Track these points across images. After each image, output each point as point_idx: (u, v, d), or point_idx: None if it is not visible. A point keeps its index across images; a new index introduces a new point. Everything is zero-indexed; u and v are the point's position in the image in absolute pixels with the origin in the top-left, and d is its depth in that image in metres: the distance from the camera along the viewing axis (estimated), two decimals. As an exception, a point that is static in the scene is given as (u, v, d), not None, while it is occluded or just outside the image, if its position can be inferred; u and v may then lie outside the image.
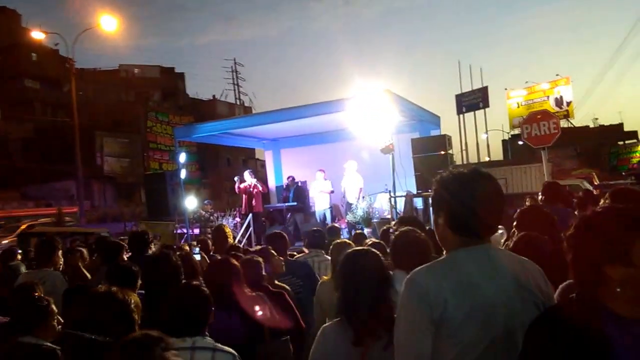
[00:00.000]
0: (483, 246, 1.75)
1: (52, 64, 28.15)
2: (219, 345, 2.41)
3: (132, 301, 2.03)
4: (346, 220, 11.42)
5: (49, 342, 2.69)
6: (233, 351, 2.43)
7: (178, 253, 5.00)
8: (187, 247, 6.21)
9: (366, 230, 9.82)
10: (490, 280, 1.67)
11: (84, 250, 5.80)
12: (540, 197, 5.46)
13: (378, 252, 2.49)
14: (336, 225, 7.55)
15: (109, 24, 19.84)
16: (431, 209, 1.94)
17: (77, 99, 20.55)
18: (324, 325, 2.38)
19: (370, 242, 5.02)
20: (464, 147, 37.55)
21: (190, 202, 11.57)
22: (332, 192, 11.87)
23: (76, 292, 3.47)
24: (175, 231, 11.74)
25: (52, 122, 28.72)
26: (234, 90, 47.23)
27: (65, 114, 24.41)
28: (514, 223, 3.76)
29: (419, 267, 1.77)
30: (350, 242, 4.49)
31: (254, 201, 12.02)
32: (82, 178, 21.20)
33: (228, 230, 6.24)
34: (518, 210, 3.97)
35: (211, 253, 5.76)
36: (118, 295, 1.99)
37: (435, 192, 1.87)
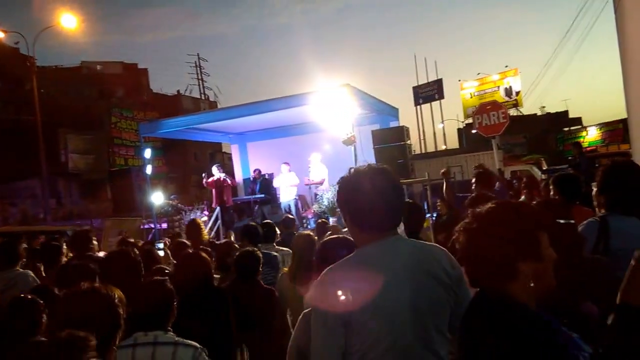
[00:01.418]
0: (388, 239, 1.80)
1: (12, 63, 27.42)
2: (181, 339, 2.43)
3: (116, 296, 2.02)
4: (313, 210, 11.76)
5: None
6: (195, 344, 2.45)
7: (146, 248, 5.18)
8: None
9: (332, 219, 10.17)
10: (395, 273, 1.72)
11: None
12: (473, 185, 5.56)
13: (352, 240, 2.61)
14: (290, 216, 7.77)
15: (69, 21, 19.59)
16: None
17: (39, 97, 20.24)
18: (305, 311, 2.43)
19: (331, 232, 5.32)
20: (422, 137, 38.60)
21: (157, 197, 11.68)
22: (298, 184, 12.17)
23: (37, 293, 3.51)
24: (141, 226, 11.82)
25: (15, 121, 28.05)
26: (199, 85, 46.85)
27: (28, 112, 23.92)
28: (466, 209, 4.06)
29: (330, 266, 1.82)
30: (311, 233, 4.57)
31: (224, 195, 12.21)
32: (46, 176, 20.93)
33: (200, 222, 6.40)
34: (469, 197, 4.26)
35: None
36: (102, 291, 2.00)
37: (338, 193, 1.94)
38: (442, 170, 5.68)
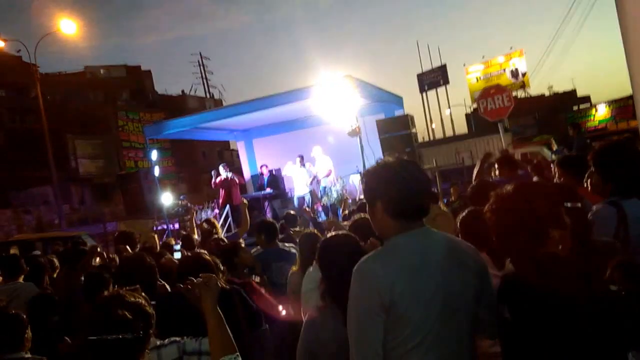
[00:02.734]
0: (421, 230, 1.86)
1: (16, 71, 27.68)
2: (163, 341, 2.38)
3: (141, 300, 2.04)
4: (322, 204, 11.77)
5: (28, 353, 2.79)
6: (177, 339, 2.39)
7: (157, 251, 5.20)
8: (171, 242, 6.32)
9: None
10: (431, 261, 1.78)
11: (54, 259, 5.76)
12: (496, 170, 5.64)
13: (354, 235, 2.63)
14: (291, 212, 7.64)
15: (69, 27, 19.63)
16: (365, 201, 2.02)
17: (44, 104, 20.40)
18: (309, 313, 2.47)
19: (333, 227, 5.23)
20: (429, 124, 38.47)
21: (166, 198, 11.77)
22: (314, 178, 12.17)
23: (41, 301, 3.54)
24: (154, 228, 11.93)
25: (24, 129, 28.38)
26: (203, 84, 46.96)
27: (34, 119, 24.19)
28: (469, 196, 4.04)
29: (365, 256, 1.85)
30: (317, 233, 4.49)
31: (232, 193, 12.25)
32: (57, 182, 21.15)
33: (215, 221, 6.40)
34: (471, 186, 4.28)
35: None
36: (129, 295, 2.02)
37: (368, 183, 1.97)
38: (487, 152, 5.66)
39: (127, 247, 5.13)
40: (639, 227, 2.48)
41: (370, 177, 1.95)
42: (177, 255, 4.65)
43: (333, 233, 2.79)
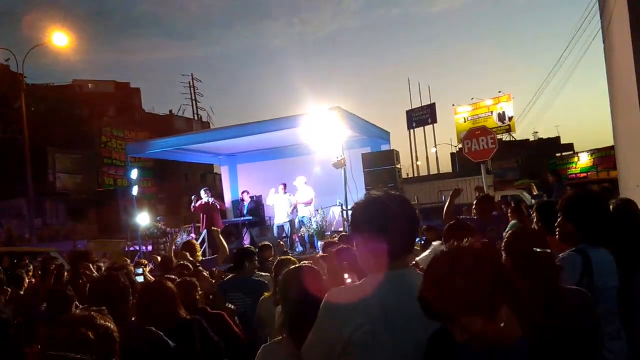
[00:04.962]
0: (401, 271, 1.78)
1: (2, 80, 27.38)
2: None
3: (111, 325, 2.00)
4: (299, 234, 11.59)
5: None
6: None
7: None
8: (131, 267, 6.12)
9: (320, 243, 9.99)
10: (404, 306, 1.68)
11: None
12: (474, 210, 5.68)
13: (317, 269, 2.53)
14: (267, 243, 7.49)
15: (60, 39, 19.56)
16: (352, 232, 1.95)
17: (29, 115, 20.10)
18: (264, 344, 2.39)
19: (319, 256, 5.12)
20: (415, 161, 38.99)
21: (143, 219, 11.47)
22: (295, 207, 12.02)
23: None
24: (126, 249, 11.59)
25: (3, 139, 27.86)
26: (192, 105, 47.02)
27: (16, 130, 23.77)
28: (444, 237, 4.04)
29: (338, 289, 1.80)
30: (294, 259, 4.43)
31: (213, 219, 12.04)
32: (33, 195, 20.68)
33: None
34: (447, 225, 4.31)
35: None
36: (98, 317, 1.98)
37: (353, 217, 1.90)
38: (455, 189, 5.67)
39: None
40: (604, 276, 2.56)
41: (360, 211, 1.86)
42: (140, 280, 4.40)
43: (296, 265, 2.73)
